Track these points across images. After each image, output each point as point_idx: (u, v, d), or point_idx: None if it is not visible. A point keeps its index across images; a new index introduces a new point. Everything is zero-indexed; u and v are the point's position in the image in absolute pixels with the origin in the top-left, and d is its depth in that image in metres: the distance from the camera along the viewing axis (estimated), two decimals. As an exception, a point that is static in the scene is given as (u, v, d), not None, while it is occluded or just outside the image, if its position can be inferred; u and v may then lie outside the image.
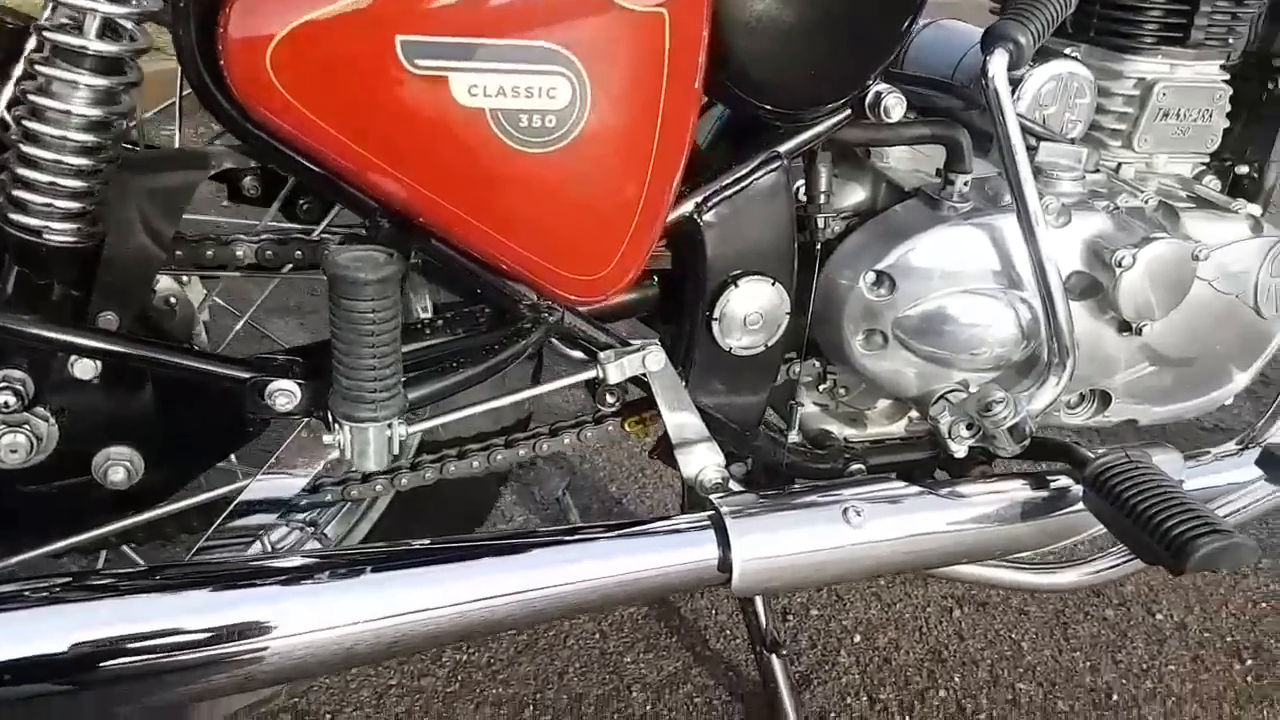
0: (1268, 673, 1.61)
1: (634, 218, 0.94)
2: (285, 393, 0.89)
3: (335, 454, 0.98)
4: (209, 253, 1.00)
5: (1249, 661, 1.63)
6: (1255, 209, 1.20)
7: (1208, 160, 1.28)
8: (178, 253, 0.98)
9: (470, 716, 1.47)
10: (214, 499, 1.01)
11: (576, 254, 0.95)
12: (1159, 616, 1.72)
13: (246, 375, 0.89)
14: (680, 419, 1.15)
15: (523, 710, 1.49)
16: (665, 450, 1.21)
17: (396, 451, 0.91)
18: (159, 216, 0.95)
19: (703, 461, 1.17)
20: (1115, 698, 1.56)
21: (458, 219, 0.90)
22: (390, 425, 0.89)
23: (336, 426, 0.88)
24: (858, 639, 1.65)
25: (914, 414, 1.33)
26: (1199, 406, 1.26)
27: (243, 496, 0.99)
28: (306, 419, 0.95)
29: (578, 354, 1.12)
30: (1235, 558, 1.01)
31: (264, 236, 1.03)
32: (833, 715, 1.51)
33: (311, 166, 0.89)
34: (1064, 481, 1.19)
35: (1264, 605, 1.75)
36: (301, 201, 1.29)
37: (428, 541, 1.00)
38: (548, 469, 2.01)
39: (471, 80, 0.86)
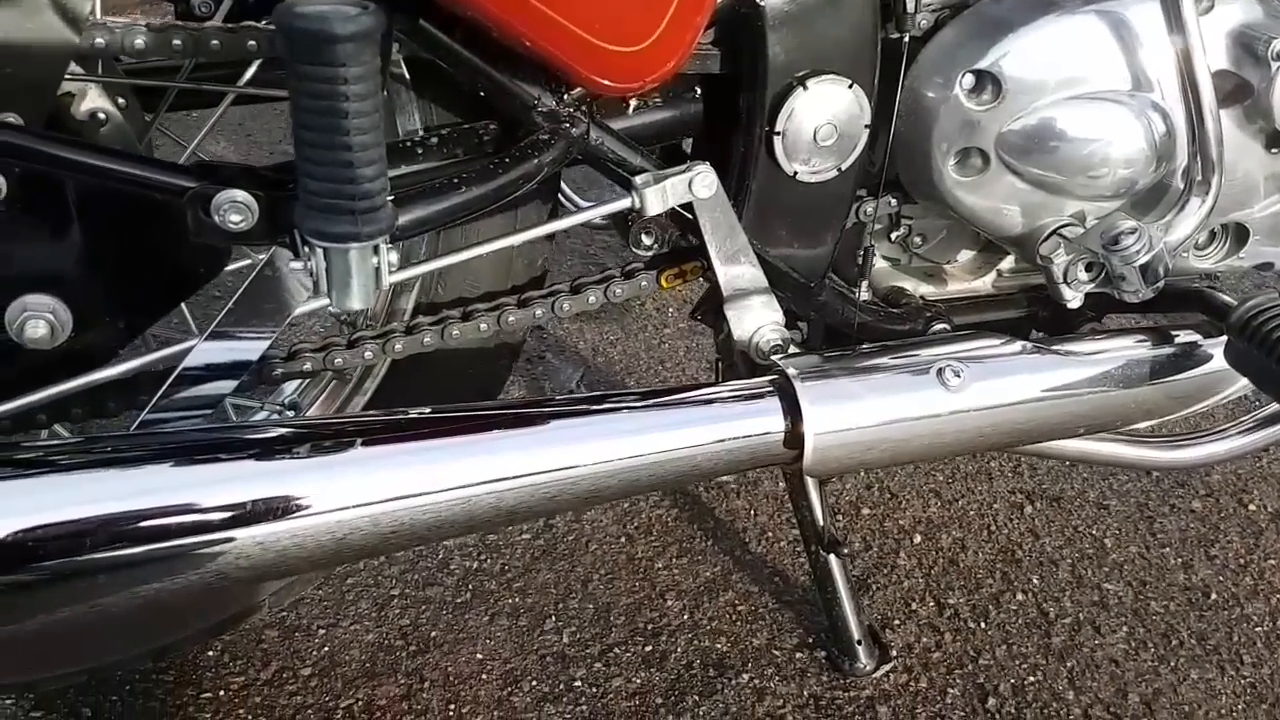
0: (1381, 566, 1.43)
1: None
2: (237, 206, 0.68)
3: (312, 301, 0.77)
4: (137, 41, 0.77)
5: (1358, 554, 1.45)
6: None
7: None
8: (96, 40, 0.75)
9: (485, 629, 1.28)
10: (159, 361, 0.80)
11: (612, 17, 0.72)
12: (1251, 507, 1.53)
13: (186, 184, 0.68)
14: (733, 266, 0.94)
15: (543, 622, 1.30)
16: (712, 308, 1.01)
17: (386, 286, 0.70)
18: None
19: (759, 320, 0.97)
20: (1214, 596, 1.37)
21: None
22: (377, 249, 0.68)
23: (306, 250, 0.67)
24: (918, 539, 1.46)
25: (1002, 267, 1.12)
26: (1348, 246, 1.05)
27: (192, 359, 0.78)
28: (271, 247, 0.74)
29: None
30: None
31: (208, 26, 0.81)
32: (897, 622, 1.32)
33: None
34: (1192, 335, 0.99)
35: (1367, 493, 1.56)
36: (266, 19, 1.07)
37: (428, 410, 0.80)
38: (558, 362, 1.81)
39: None
